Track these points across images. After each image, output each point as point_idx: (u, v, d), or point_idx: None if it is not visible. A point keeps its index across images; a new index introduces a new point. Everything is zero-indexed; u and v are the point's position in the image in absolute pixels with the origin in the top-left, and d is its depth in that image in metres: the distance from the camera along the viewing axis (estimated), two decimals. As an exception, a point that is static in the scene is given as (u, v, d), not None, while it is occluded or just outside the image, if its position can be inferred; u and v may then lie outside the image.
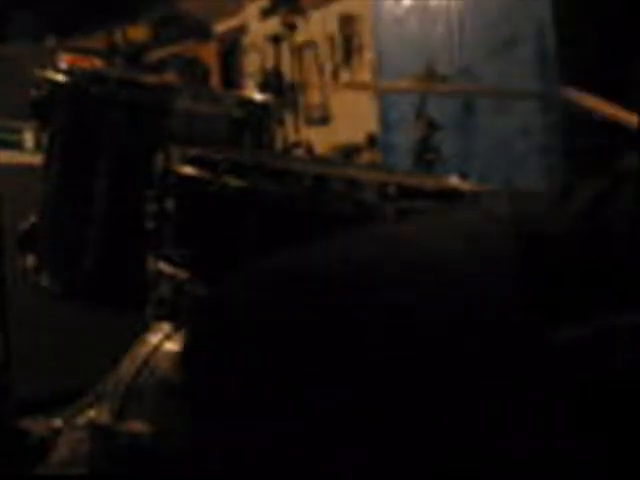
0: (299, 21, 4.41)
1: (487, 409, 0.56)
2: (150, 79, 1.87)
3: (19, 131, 2.61)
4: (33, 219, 1.76)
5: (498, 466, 0.55)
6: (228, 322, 0.64)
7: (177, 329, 1.39)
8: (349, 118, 4.85)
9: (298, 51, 4.99)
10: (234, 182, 1.20)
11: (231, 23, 5.88)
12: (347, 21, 4.99)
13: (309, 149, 4.29)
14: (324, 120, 5.15)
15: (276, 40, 4.49)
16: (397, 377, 0.57)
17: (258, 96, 1.80)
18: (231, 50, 6.02)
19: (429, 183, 1.51)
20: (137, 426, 1.30)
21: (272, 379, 0.60)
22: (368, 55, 4.80)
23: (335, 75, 5.08)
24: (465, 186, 1.39)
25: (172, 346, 1.38)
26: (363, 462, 0.56)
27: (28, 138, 2.61)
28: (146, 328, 1.43)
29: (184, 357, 0.69)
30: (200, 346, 0.66)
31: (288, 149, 3.92)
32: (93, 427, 1.37)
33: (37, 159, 1.89)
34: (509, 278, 0.59)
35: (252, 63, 5.58)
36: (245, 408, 0.60)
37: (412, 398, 0.56)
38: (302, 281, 0.63)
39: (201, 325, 0.67)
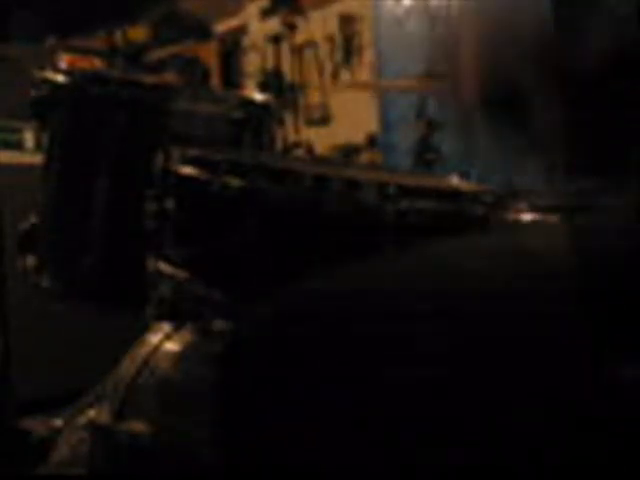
0: (299, 21, 4.41)
1: (543, 445, 0.54)
2: (150, 79, 1.86)
3: (19, 131, 2.61)
4: (33, 219, 1.76)
5: None
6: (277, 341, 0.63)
7: (177, 329, 1.39)
8: (349, 118, 4.84)
9: (298, 51, 4.98)
10: (234, 182, 1.20)
11: (231, 23, 5.88)
12: (347, 21, 4.98)
13: (309, 149, 4.28)
14: (324, 120, 5.15)
15: (276, 40, 4.49)
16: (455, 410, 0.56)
17: (258, 96, 1.80)
18: (231, 50, 6.02)
19: (429, 183, 1.51)
20: (137, 426, 1.30)
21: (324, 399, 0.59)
22: (368, 55, 4.80)
23: (335, 75, 5.08)
24: (465, 186, 1.39)
25: (172, 346, 1.38)
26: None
27: (28, 138, 2.61)
28: (146, 328, 1.43)
29: (227, 371, 0.68)
30: (244, 362, 0.65)
31: (288, 149, 3.92)
32: (93, 427, 1.37)
33: (37, 159, 1.89)
34: (572, 305, 0.56)
35: (252, 63, 5.57)
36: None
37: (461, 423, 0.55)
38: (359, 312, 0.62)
39: (247, 343, 0.66)
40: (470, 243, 0.69)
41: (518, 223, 1.04)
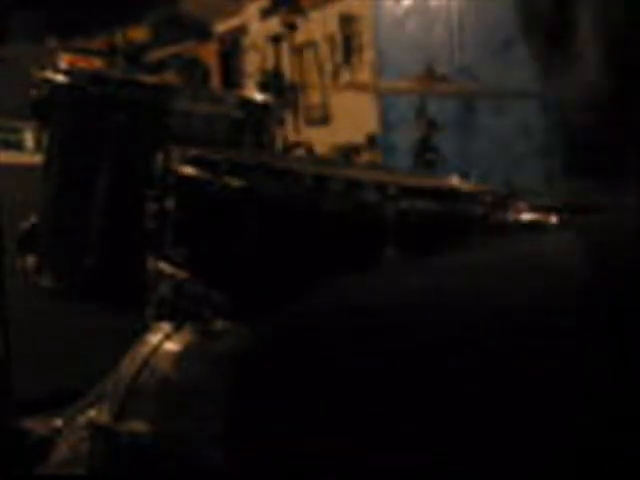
0: (299, 21, 4.41)
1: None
2: (150, 79, 1.87)
3: (19, 131, 2.61)
4: (33, 219, 1.76)
5: None
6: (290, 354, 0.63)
7: (177, 329, 1.39)
8: (349, 118, 4.84)
9: (298, 51, 4.98)
10: (234, 182, 1.20)
11: (231, 23, 5.88)
12: (347, 21, 4.98)
13: (309, 149, 4.28)
14: (324, 120, 5.15)
15: (276, 40, 4.49)
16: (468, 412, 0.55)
17: (258, 96, 1.80)
18: (231, 50, 6.02)
19: (429, 183, 1.52)
20: (137, 426, 1.30)
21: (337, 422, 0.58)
22: (368, 55, 4.80)
23: (335, 75, 5.08)
24: (465, 186, 1.39)
25: (172, 346, 1.38)
26: None
27: (28, 138, 2.61)
28: (146, 328, 1.43)
29: (239, 380, 0.67)
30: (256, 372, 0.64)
31: (288, 149, 3.92)
32: (93, 427, 1.37)
33: (37, 159, 1.89)
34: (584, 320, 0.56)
35: (252, 63, 5.57)
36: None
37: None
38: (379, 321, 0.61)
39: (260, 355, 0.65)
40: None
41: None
